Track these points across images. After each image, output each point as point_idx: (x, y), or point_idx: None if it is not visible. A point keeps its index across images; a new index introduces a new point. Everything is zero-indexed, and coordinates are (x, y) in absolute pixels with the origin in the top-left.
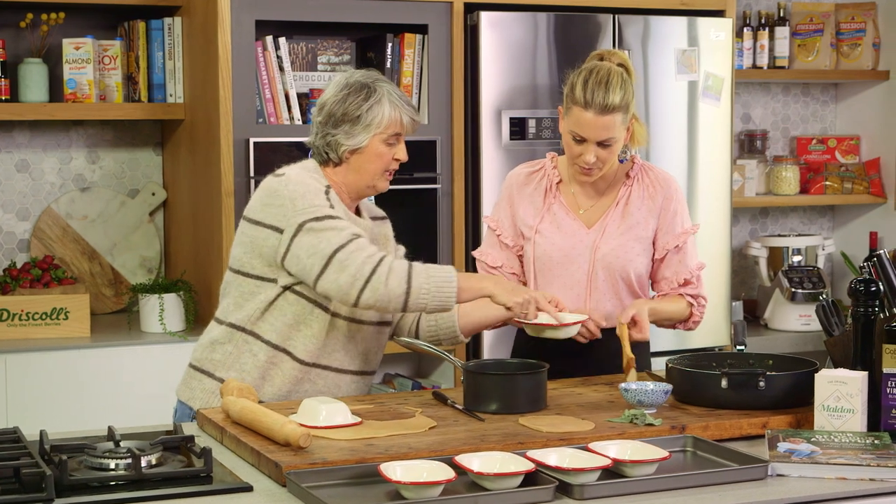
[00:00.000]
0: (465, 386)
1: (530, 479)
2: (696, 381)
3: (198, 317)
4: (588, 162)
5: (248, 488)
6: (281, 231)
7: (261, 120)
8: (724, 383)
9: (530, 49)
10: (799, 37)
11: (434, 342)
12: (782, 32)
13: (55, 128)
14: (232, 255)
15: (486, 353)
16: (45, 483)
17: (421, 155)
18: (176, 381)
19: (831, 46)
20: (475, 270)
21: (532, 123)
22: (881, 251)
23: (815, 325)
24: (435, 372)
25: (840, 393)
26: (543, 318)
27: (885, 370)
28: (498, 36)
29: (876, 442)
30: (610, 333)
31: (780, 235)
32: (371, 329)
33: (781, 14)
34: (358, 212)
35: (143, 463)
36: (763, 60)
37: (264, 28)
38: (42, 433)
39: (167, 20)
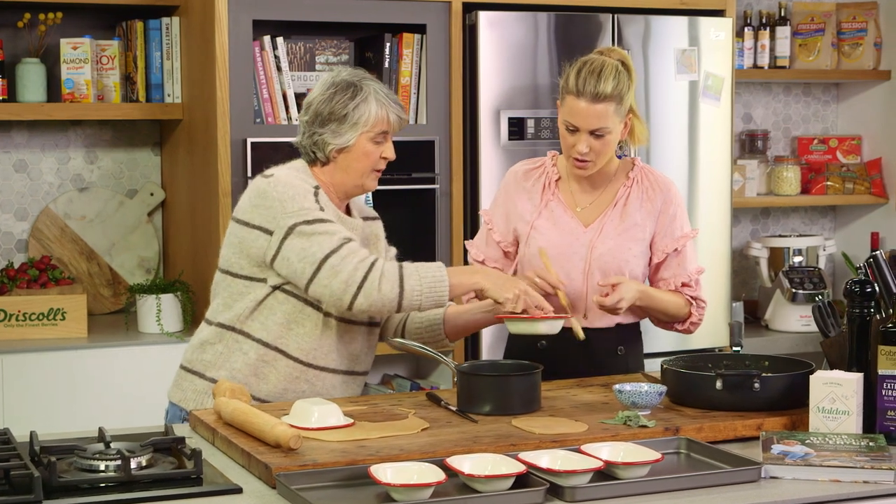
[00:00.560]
0: (458, 387)
1: (521, 481)
2: (690, 382)
3: (195, 317)
4: (581, 152)
5: (237, 490)
6: (270, 232)
7: (258, 120)
8: (718, 385)
9: (529, 49)
10: (800, 36)
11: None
12: (783, 32)
13: (53, 128)
14: (221, 255)
15: (485, 354)
16: (33, 485)
17: (419, 155)
18: None
19: (832, 46)
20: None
21: (531, 123)
22: (877, 252)
23: (816, 326)
24: (434, 373)
25: (835, 395)
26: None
27: (880, 372)
28: (496, 36)
29: (871, 444)
30: (607, 332)
31: (781, 236)
32: (362, 329)
33: (782, 14)
34: (349, 211)
35: (133, 464)
36: (764, 60)
37: (262, 28)
38: (32, 434)
39: (165, 20)
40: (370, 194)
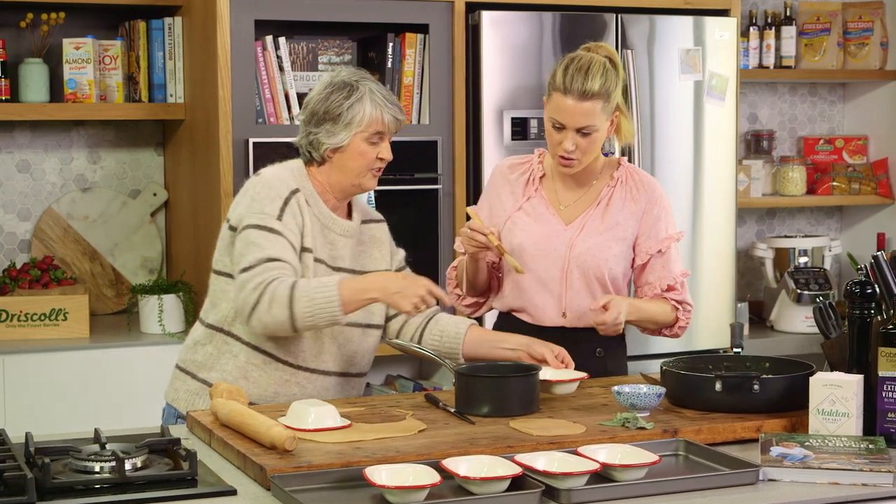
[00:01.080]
0: (457, 389)
1: (517, 483)
2: (689, 383)
3: (197, 318)
4: (567, 150)
5: (232, 492)
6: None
7: (260, 120)
8: (717, 386)
9: (532, 49)
10: (806, 36)
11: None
12: (789, 32)
13: (56, 128)
14: (214, 254)
15: None
16: (26, 486)
17: (422, 155)
18: None
19: (838, 46)
20: None
21: (534, 123)
22: (879, 252)
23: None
24: (437, 374)
25: (835, 396)
26: (547, 374)
27: (880, 373)
28: (499, 35)
29: (870, 446)
30: (586, 333)
31: (786, 236)
32: (357, 331)
33: (788, 13)
34: (350, 211)
35: (128, 466)
36: (769, 60)
37: (264, 28)
38: (27, 435)
39: (167, 20)
40: (371, 194)
